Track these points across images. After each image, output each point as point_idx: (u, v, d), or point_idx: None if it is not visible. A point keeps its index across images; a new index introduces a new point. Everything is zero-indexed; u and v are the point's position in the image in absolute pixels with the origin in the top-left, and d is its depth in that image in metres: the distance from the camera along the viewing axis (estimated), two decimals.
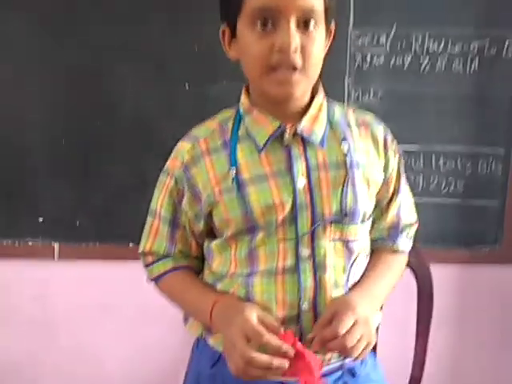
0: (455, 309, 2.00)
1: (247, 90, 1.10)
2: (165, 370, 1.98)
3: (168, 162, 1.13)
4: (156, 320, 1.93)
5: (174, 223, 1.13)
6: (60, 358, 1.97)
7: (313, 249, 1.03)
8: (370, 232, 1.16)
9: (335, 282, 1.05)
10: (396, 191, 1.16)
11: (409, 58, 1.79)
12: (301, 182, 1.02)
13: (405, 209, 1.18)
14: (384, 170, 1.12)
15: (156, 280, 1.19)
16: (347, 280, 1.07)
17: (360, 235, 1.09)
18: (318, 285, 1.03)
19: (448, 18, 1.78)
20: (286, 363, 0.89)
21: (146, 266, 1.20)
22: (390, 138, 1.13)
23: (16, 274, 1.92)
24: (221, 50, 1.75)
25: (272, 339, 0.90)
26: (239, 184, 1.03)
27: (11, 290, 1.93)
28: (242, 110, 1.09)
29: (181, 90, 1.81)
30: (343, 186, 1.03)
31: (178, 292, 1.16)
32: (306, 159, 1.04)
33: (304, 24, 0.96)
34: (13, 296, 1.93)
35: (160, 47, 1.79)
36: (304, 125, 1.04)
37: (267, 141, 1.04)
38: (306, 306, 1.03)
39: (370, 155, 1.09)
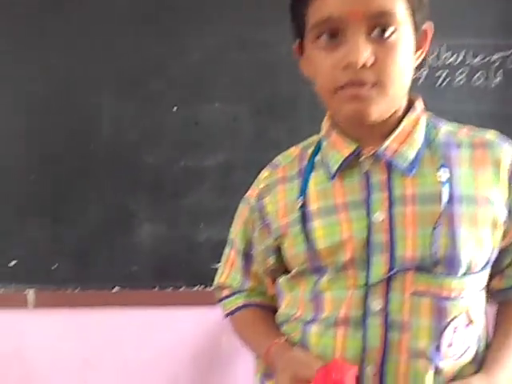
0: None
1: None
2: None
3: (249, 190, 1.07)
4: (144, 376, 1.78)
5: (247, 256, 1.07)
6: None
7: (386, 302, 0.85)
8: (498, 279, 0.95)
9: (415, 349, 0.85)
10: None
11: (424, 72, 1.66)
12: (378, 215, 0.87)
13: None
14: (508, 204, 0.89)
15: (230, 315, 1.11)
16: (436, 349, 0.85)
17: (460, 292, 0.86)
18: (389, 348, 0.85)
19: (467, 28, 1.65)
20: None
21: (220, 300, 1.13)
22: None
23: None
24: (212, 67, 1.70)
25: None
26: (305, 217, 0.92)
27: None
28: (321, 134, 0.98)
29: (168, 114, 1.67)
30: (435, 225, 0.84)
31: (241, 332, 1.10)
32: (389, 189, 0.88)
33: (381, 30, 0.81)
34: None
35: (144, 65, 1.66)
36: (388, 145, 0.88)
37: (339, 167, 0.91)
38: (370, 370, 0.86)
39: (487, 185, 0.88)
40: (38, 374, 1.78)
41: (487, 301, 0.93)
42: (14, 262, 1.71)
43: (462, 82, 1.65)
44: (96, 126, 1.67)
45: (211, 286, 1.14)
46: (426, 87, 1.64)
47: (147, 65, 1.65)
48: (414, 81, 1.67)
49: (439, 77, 1.65)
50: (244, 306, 1.08)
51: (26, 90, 1.65)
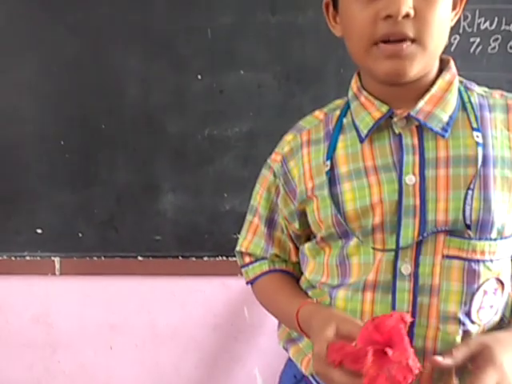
0: None
1: (359, 73, 0.95)
2: None
3: (271, 155, 1.04)
4: (168, 341, 1.81)
5: (270, 222, 1.05)
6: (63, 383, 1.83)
7: (416, 265, 0.84)
8: None
9: (445, 313, 0.84)
10: None
11: (457, 39, 1.59)
12: (410, 178, 0.85)
13: None
14: None
15: (252, 283, 1.10)
16: (467, 313, 0.84)
17: (492, 255, 0.85)
18: (418, 312, 0.84)
19: None
20: None
21: (242, 266, 1.11)
22: None
23: (14, 292, 1.79)
24: (237, 34, 1.65)
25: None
26: (333, 179, 0.90)
27: (9, 310, 1.80)
28: (349, 96, 0.95)
29: (193, 82, 1.64)
30: (469, 188, 0.82)
31: (267, 295, 1.08)
32: (421, 151, 0.86)
33: None
34: (11, 317, 1.80)
35: (169, 33, 1.62)
36: (421, 107, 0.86)
37: (370, 129, 0.88)
38: None
39: None
40: (63, 340, 1.81)
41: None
42: (40, 230, 1.72)
43: (495, 49, 1.58)
44: (120, 93, 1.65)
45: (234, 256, 1.13)
46: (458, 54, 1.57)
47: (171, 32, 1.61)
48: (447, 47, 1.65)
49: (472, 43, 1.58)
50: (269, 272, 1.06)
51: (52, 54, 1.63)
